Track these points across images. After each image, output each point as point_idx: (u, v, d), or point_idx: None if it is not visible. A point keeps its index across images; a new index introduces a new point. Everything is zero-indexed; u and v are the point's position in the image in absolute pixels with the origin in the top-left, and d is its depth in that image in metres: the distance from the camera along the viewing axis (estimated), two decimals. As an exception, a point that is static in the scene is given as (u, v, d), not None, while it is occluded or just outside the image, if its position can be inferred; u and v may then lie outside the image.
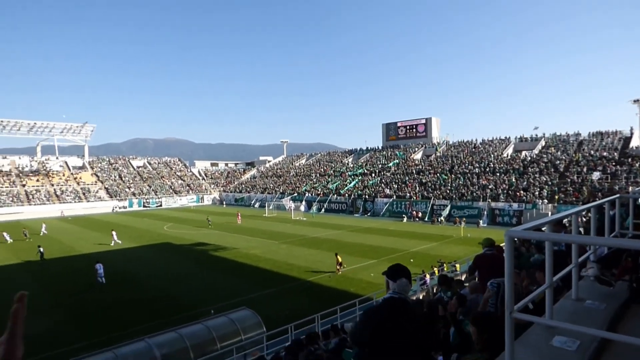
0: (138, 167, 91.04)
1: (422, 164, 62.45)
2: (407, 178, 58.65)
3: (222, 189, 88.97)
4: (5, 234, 38.85)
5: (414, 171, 60.28)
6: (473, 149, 61.40)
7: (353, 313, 15.80)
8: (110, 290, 21.10)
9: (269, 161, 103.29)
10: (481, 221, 41.43)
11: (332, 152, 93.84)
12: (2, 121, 74.66)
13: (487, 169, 51.90)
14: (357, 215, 54.67)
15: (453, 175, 53.57)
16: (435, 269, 20.81)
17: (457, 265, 21.86)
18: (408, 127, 76.21)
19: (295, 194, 67.09)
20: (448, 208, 45.74)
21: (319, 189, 66.57)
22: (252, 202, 73.09)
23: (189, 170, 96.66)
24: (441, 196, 48.94)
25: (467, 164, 55.53)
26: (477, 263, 7.33)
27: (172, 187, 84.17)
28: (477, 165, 54.06)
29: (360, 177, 65.96)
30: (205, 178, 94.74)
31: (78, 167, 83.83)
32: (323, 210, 59.61)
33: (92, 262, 22.88)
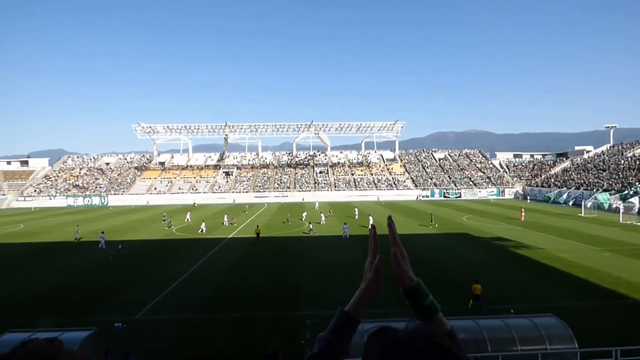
0: (439, 159, 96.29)
1: None
2: None
3: (526, 182, 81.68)
4: (225, 216, 46.28)
5: None
6: None
7: None
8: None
9: (587, 151, 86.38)
10: None
11: (691, 136, 68.71)
12: (340, 124, 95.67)
13: None
14: None
15: None
16: None
17: None
18: None
19: (626, 192, 53.45)
20: None
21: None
22: (564, 198, 63.41)
23: (489, 162, 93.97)
24: None
25: None
26: None
27: (472, 179, 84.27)
28: None
29: None
30: (507, 171, 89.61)
31: (390, 160, 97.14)
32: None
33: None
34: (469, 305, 16.98)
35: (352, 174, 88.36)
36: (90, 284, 21.76)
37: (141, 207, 69.60)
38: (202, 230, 39.03)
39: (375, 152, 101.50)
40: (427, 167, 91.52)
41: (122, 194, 78.69)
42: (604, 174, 65.68)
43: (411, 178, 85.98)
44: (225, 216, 46.06)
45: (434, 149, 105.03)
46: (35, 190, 79.14)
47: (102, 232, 32.69)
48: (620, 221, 42.33)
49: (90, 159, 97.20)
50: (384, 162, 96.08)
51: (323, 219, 44.31)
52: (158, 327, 15.94)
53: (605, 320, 15.73)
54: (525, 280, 21.19)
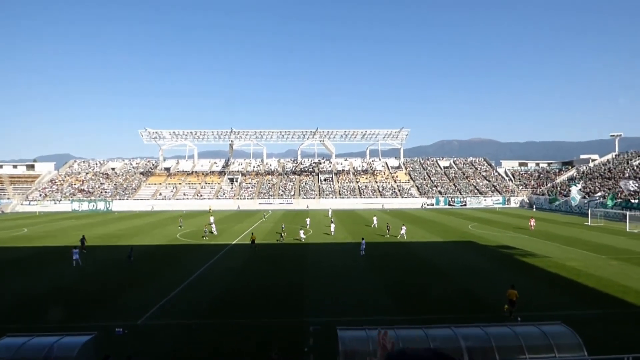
0: (445, 168, 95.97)
1: None
2: None
3: (531, 191, 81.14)
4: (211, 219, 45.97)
5: None
6: None
7: None
8: (415, 275, 23.45)
9: (593, 160, 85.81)
10: None
11: (699, 146, 68.04)
12: (345, 131, 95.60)
13: None
14: None
15: None
16: None
17: None
18: None
19: (633, 202, 52.90)
20: None
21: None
22: (570, 207, 62.87)
23: (494, 170, 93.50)
24: None
25: None
26: None
27: (477, 187, 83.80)
28: None
29: None
30: (512, 179, 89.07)
31: (395, 167, 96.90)
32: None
33: (403, 249, 26.14)
34: (504, 310, 16.76)
35: (357, 182, 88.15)
36: (92, 289, 21.67)
37: (146, 212, 69.71)
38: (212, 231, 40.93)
39: (380, 159, 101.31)
40: (432, 175, 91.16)
41: (127, 199, 78.91)
42: (610, 182, 65.09)
43: (416, 186, 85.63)
44: (213, 225, 42.93)
45: (439, 157, 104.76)
46: (40, 195, 79.56)
47: (76, 248, 27.89)
48: (627, 230, 41.87)
49: (96, 164, 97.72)
50: (389, 169, 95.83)
51: (332, 228, 41.68)
52: (160, 332, 15.78)
53: (614, 329, 15.43)
54: (532, 289, 20.86)
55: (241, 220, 54.34)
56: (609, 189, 61.95)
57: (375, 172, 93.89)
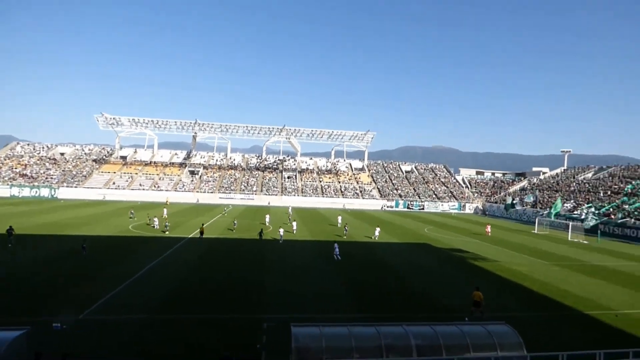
0: (406, 172, 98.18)
1: None
2: None
3: (486, 198, 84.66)
4: (155, 219, 40.80)
5: None
6: None
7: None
8: (369, 274, 23.75)
9: (544, 173, 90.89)
10: None
11: (632, 166, 73.57)
12: (312, 130, 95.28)
13: None
14: (672, 249, 40.93)
15: None
16: None
17: None
18: None
19: (576, 213, 56.39)
20: None
21: (609, 209, 53.62)
22: (520, 215, 66.18)
23: (453, 177, 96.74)
24: None
25: None
26: None
27: (435, 193, 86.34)
28: None
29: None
30: (469, 186, 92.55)
31: (358, 169, 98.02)
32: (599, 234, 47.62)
33: (363, 249, 26.43)
34: (470, 311, 17.12)
35: (320, 181, 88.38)
36: (32, 282, 20.30)
37: (96, 201, 66.45)
38: (154, 226, 38.90)
39: (345, 160, 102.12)
40: (394, 179, 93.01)
41: (75, 187, 74.77)
42: (557, 194, 69.10)
43: (377, 188, 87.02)
44: (156, 219, 40.60)
45: (401, 162, 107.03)
46: (-20, 178, 73.82)
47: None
48: (569, 239, 44.50)
49: (43, 148, 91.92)
50: (352, 170, 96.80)
51: (295, 225, 41.46)
52: (103, 328, 14.92)
53: (553, 329, 16.28)
54: (482, 291, 21.65)
55: (200, 214, 52.98)
56: (561, 197, 65.77)
57: (339, 172, 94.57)
